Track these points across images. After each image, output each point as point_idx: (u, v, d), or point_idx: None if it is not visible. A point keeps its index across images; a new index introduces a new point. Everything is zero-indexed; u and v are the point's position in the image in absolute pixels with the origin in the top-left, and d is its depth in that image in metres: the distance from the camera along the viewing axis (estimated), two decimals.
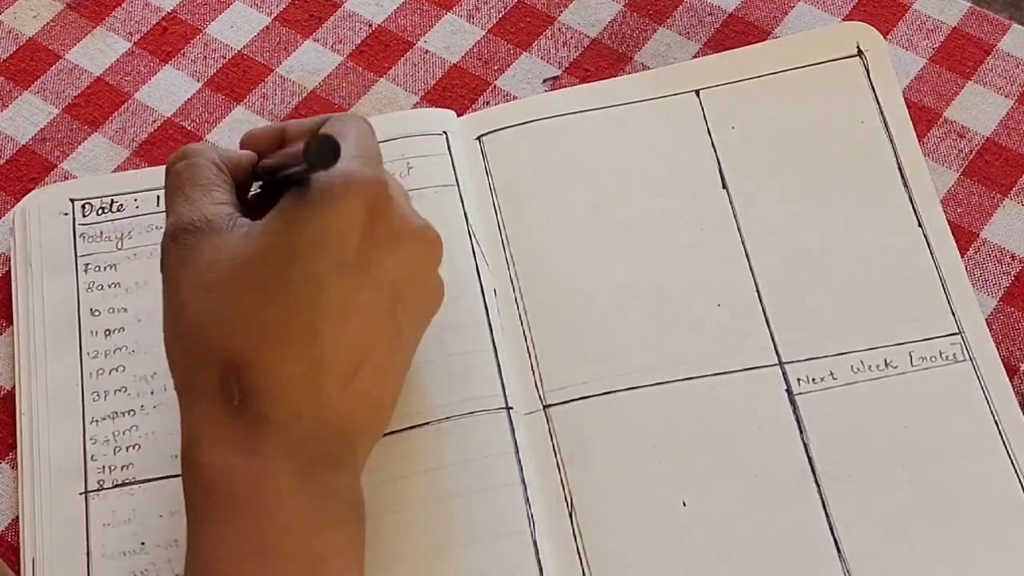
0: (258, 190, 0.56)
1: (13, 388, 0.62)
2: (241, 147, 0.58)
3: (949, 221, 0.63)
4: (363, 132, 0.54)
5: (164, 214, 0.55)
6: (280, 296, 0.50)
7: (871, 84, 0.66)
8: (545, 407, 0.59)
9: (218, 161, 0.55)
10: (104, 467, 0.59)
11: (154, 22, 0.73)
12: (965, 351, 0.59)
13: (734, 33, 0.70)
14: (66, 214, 0.65)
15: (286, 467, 0.50)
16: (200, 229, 0.52)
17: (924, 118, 0.67)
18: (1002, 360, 0.60)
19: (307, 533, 0.50)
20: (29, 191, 0.67)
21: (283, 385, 0.50)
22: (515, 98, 0.69)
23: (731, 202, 0.64)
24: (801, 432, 0.58)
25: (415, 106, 0.69)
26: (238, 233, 0.51)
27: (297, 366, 0.50)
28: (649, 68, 0.69)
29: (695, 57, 0.69)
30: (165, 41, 0.72)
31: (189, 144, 0.55)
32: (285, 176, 0.52)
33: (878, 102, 0.66)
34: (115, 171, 0.68)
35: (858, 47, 0.68)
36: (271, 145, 0.56)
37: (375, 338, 0.52)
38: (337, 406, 0.51)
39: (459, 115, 0.68)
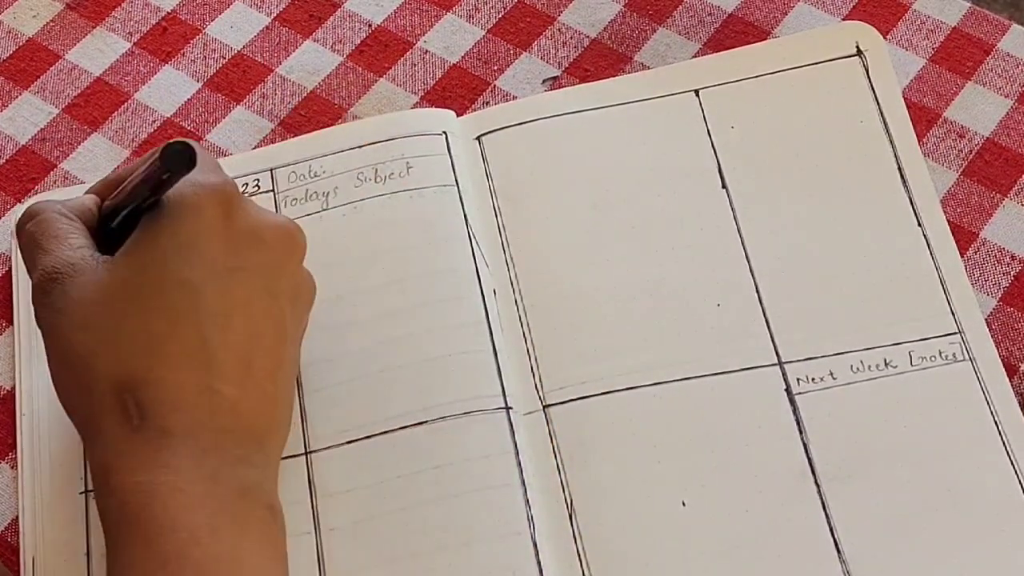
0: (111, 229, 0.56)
1: (13, 388, 0.62)
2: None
3: (949, 221, 0.63)
4: (198, 151, 0.55)
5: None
6: (159, 311, 0.51)
7: (871, 84, 0.66)
8: (545, 407, 0.59)
9: (64, 211, 0.55)
10: None
11: (154, 22, 0.73)
12: (965, 351, 0.59)
13: (734, 33, 0.70)
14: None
15: (195, 475, 0.50)
16: (64, 274, 0.52)
17: (924, 118, 0.67)
18: (1002, 360, 0.59)
19: (216, 539, 0.49)
20: (29, 191, 0.67)
21: (179, 395, 0.51)
22: (515, 98, 0.69)
23: (731, 202, 0.64)
24: (801, 432, 0.58)
25: (415, 106, 0.69)
26: (101, 268, 0.52)
27: (189, 374, 0.51)
28: (649, 68, 0.69)
29: (695, 57, 0.69)
30: (165, 41, 0.72)
31: (31, 204, 0.56)
32: (134, 209, 0.53)
33: (878, 102, 0.66)
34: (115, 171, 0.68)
35: (857, 47, 0.68)
36: (112, 190, 0.57)
37: (260, 333, 0.53)
38: (235, 407, 0.51)
39: (459, 115, 0.68)
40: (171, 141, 0.50)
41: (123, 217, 0.54)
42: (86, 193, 0.58)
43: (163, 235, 0.52)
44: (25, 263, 0.55)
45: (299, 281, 0.57)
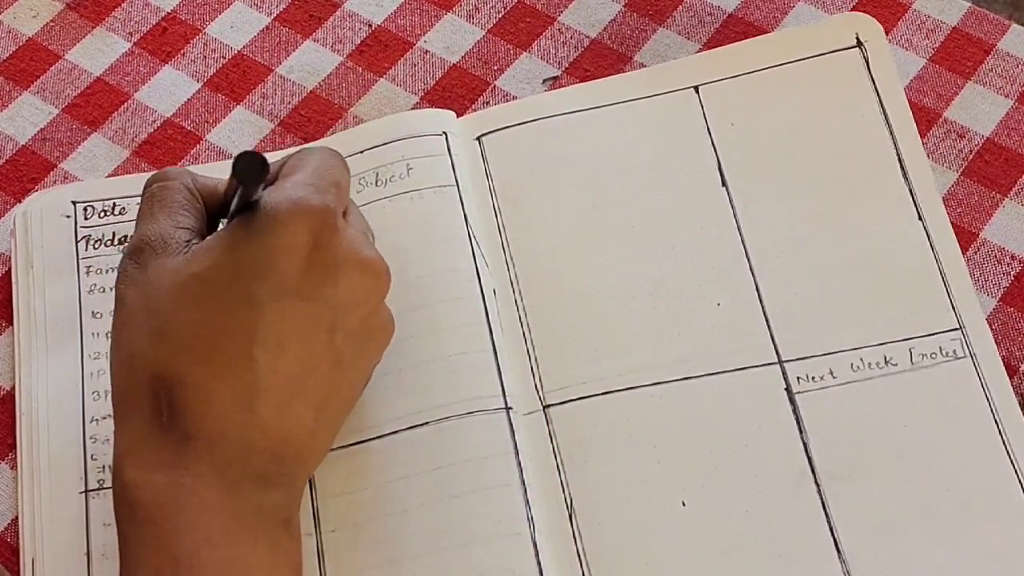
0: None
1: (13, 388, 0.62)
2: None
3: (949, 221, 0.63)
4: (324, 161, 0.54)
5: None
6: (217, 316, 0.50)
7: (871, 76, 0.66)
8: (545, 407, 0.59)
9: (191, 186, 0.55)
10: (104, 467, 0.59)
11: (154, 22, 0.73)
12: (965, 347, 0.59)
13: (734, 33, 0.70)
14: (68, 216, 0.65)
15: (211, 482, 0.50)
16: (155, 248, 0.52)
17: (924, 118, 0.67)
18: (1002, 361, 0.59)
19: (229, 544, 0.49)
20: (29, 191, 0.67)
21: (212, 404, 0.50)
22: (515, 98, 0.69)
23: (731, 200, 0.64)
24: (800, 431, 0.58)
25: (415, 106, 0.69)
26: (182, 255, 0.52)
27: (228, 387, 0.50)
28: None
29: None
30: (165, 41, 0.72)
31: (168, 167, 0.56)
32: (233, 206, 0.53)
33: (878, 94, 0.66)
34: (115, 171, 0.68)
35: (857, 38, 0.67)
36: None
37: (313, 366, 0.52)
38: (268, 430, 0.51)
39: (459, 115, 0.68)
40: (243, 152, 0.49)
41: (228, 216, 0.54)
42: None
43: (243, 241, 0.51)
44: (136, 221, 0.54)
45: (375, 321, 0.56)
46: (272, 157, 0.53)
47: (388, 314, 0.57)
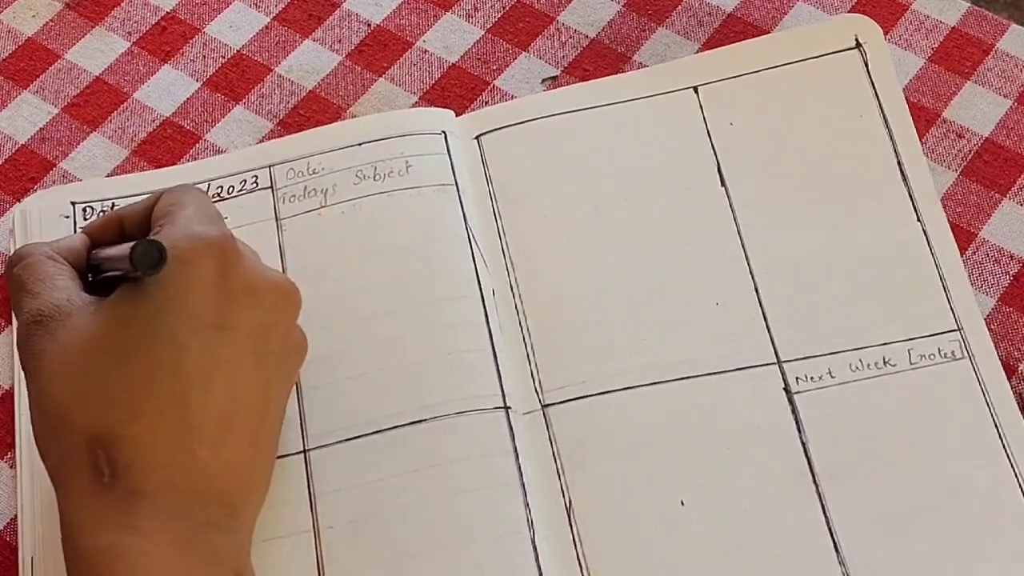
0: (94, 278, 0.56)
1: (12, 387, 0.62)
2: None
3: (948, 221, 0.63)
4: (199, 197, 0.54)
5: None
6: (140, 365, 0.50)
7: (870, 77, 0.66)
8: (544, 407, 0.59)
9: (52, 254, 0.54)
10: None
11: (153, 22, 0.73)
12: (964, 348, 0.59)
13: (733, 33, 0.70)
14: (67, 217, 0.65)
15: (164, 538, 0.49)
16: (49, 316, 0.51)
17: (923, 118, 0.67)
18: (1001, 361, 0.59)
19: None
20: (28, 191, 0.67)
21: (153, 455, 0.49)
22: (514, 98, 0.69)
23: (730, 200, 0.64)
24: (799, 431, 0.58)
25: (414, 106, 0.69)
26: (87, 311, 0.51)
27: (165, 434, 0.50)
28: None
29: None
30: (164, 41, 0.72)
31: (18, 248, 0.55)
32: (117, 277, 0.52)
33: (877, 95, 0.66)
34: (114, 171, 0.68)
35: (856, 39, 0.67)
36: (110, 232, 0.56)
37: (242, 395, 0.52)
38: (211, 470, 0.50)
39: (458, 115, 0.68)
40: (141, 241, 0.49)
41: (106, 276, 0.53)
42: (89, 222, 0.57)
43: (152, 288, 0.50)
44: (12, 307, 0.54)
45: (290, 341, 0.56)
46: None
47: (301, 332, 0.56)
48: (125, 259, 0.49)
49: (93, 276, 0.55)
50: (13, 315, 0.63)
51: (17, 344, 0.53)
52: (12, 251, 0.65)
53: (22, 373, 0.61)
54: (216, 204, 0.64)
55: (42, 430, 0.52)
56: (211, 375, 0.50)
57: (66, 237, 0.56)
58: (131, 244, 0.49)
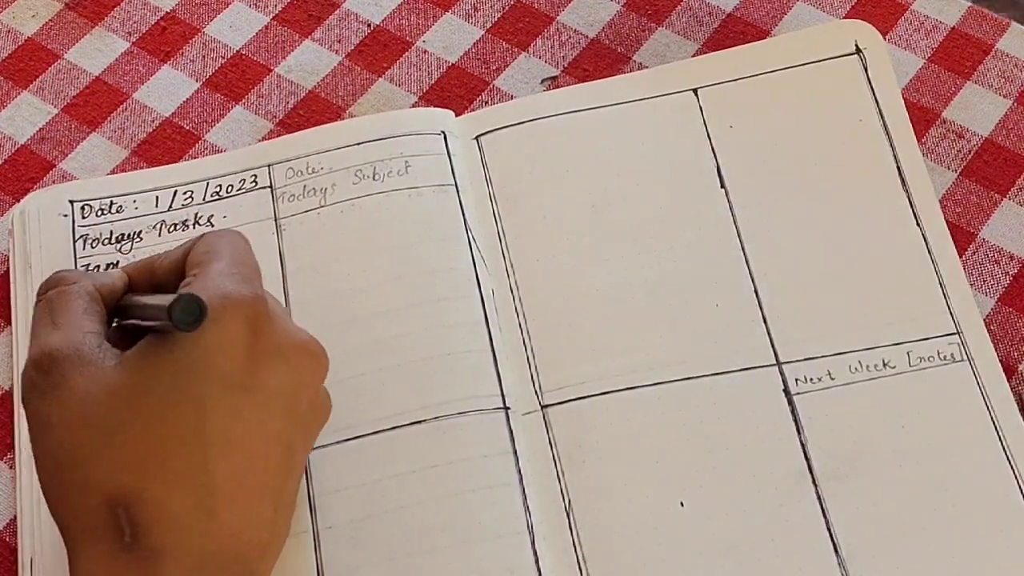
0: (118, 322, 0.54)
1: (11, 388, 0.62)
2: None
3: (947, 221, 0.63)
4: (237, 246, 0.53)
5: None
6: (165, 424, 0.49)
7: (869, 82, 0.66)
8: (543, 407, 0.59)
9: (92, 291, 0.53)
10: None
11: (153, 22, 0.73)
12: (963, 351, 0.59)
13: (733, 33, 0.70)
14: (65, 216, 0.65)
15: None
16: (68, 357, 0.50)
17: (923, 118, 0.67)
18: (1000, 361, 0.59)
19: None
20: (28, 191, 0.67)
21: (174, 516, 0.48)
22: (513, 98, 0.69)
23: (729, 201, 0.64)
24: (799, 432, 0.58)
25: (414, 106, 0.69)
26: (110, 363, 0.50)
27: (187, 495, 0.49)
28: (648, 68, 0.69)
29: (693, 57, 0.69)
30: (164, 41, 0.72)
31: (61, 271, 0.54)
32: (152, 328, 0.50)
33: (876, 100, 0.66)
34: (114, 171, 0.68)
35: (856, 45, 0.67)
36: (144, 276, 0.55)
37: (266, 457, 0.51)
38: (232, 531, 0.49)
39: (457, 115, 0.68)
40: (183, 295, 0.47)
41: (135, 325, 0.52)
42: (125, 266, 0.56)
43: (179, 345, 0.49)
44: (32, 331, 0.52)
45: (316, 403, 0.54)
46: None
47: (326, 393, 0.55)
48: (161, 310, 0.48)
49: (119, 320, 0.53)
50: (12, 317, 0.63)
51: (24, 376, 0.51)
52: (12, 251, 0.65)
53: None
54: (215, 203, 0.65)
55: (55, 484, 0.50)
56: (236, 437, 0.49)
57: (109, 272, 0.55)
58: (170, 296, 0.48)
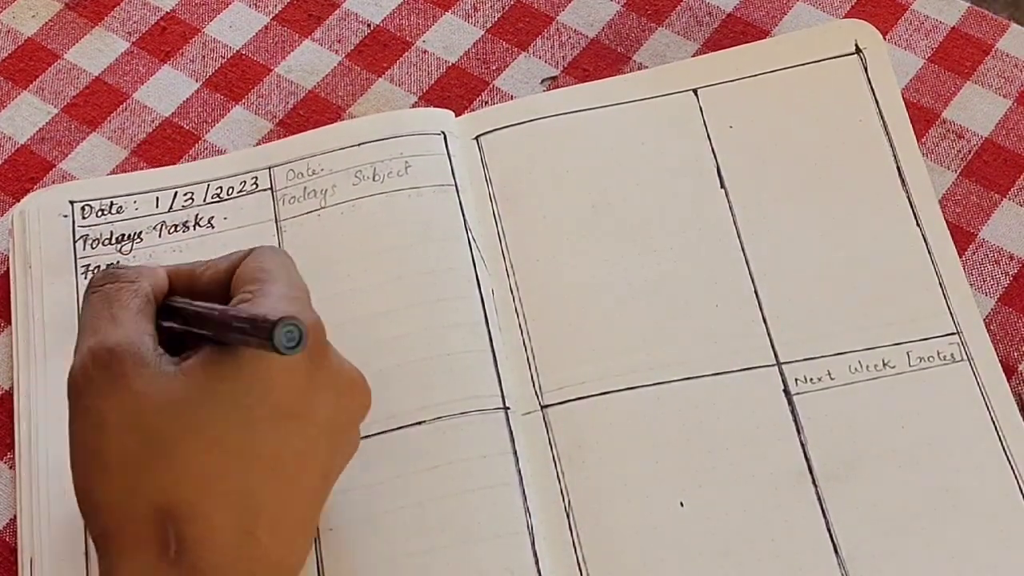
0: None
1: (11, 388, 0.62)
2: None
3: (947, 222, 0.63)
4: (290, 268, 0.53)
5: (168, 274, 0.51)
6: (219, 442, 0.48)
7: (869, 82, 0.66)
8: (543, 407, 0.59)
9: (148, 291, 0.52)
10: None
11: (153, 22, 0.73)
12: (963, 351, 0.59)
13: (732, 33, 0.70)
14: (65, 216, 0.65)
15: None
16: (128, 354, 0.49)
17: (922, 118, 0.67)
18: (1000, 361, 0.59)
19: None
20: (28, 191, 0.67)
21: (219, 535, 0.48)
22: (513, 98, 0.69)
23: (729, 202, 0.64)
24: (799, 432, 0.58)
25: (414, 106, 0.69)
26: (168, 369, 0.49)
27: (233, 515, 0.48)
28: (647, 68, 0.69)
29: (693, 57, 0.69)
30: (164, 41, 0.72)
31: (115, 266, 0.53)
32: (235, 340, 0.49)
33: (876, 100, 0.66)
34: (114, 171, 0.68)
35: (856, 45, 0.67)
36: (182, 284, 0.54)
37: (307, 486, 0.51)
38: (268, 555, 0.49)
39: (457, 115, 0.68)
40: (286, 318, 0.46)
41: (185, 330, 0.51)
42: (167, 268, 0.54)
43: (246, 364, 0.48)
44: (83, 322, 0.51)
45: (352, 438, 0.54)
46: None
47: (358, 430, 0.55)
48: (254, 327, 0.47)
49: (163, 320, 0.52)
50: (12, 317, 0.63)
51: (75, 368, 0.50)
52: (12, 251, 0.65)
53: (22, 370, 0.61)
54: (215, 205, 0.65)
55: (103, 486, 0.49)
56: (283, 463, 0.49)
57: (156, 271, 0.53)
58: (265, 315, 0.47)
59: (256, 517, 0.49)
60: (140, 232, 0.65)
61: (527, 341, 0.61)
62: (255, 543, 0.49)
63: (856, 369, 0.59)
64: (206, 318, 0.51)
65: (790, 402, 0.59)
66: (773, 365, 0.60)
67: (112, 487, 0.49)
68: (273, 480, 0.49)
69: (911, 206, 0.63)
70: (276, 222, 0.64)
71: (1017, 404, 0.58)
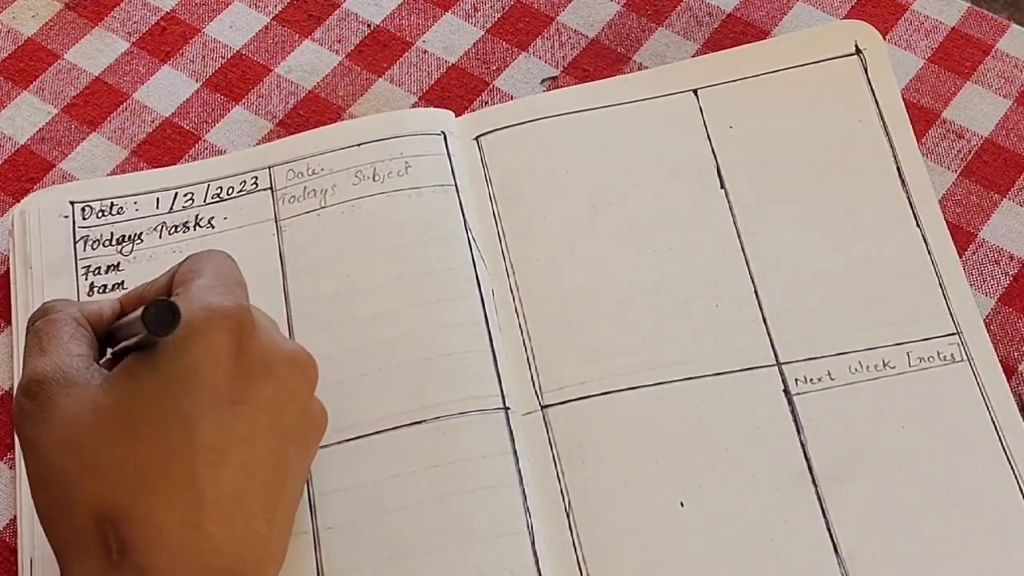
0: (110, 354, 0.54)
1: (11, 388, 0.62)
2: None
3: (947, 222, 0.63)
4: (221, 263, 0.53)
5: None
6: (151, 440, 0.48)
7: (869, 83, 0.66)
8: (543, 407, 0.59)
9: (78, 316, 0.53)
10: None
11: (153, 22, 0.73)
12: (963, 351, 0.59)
13: (732, 33, 0.70)
14: (66, 216, 0.65)
15: None
16: (55, 381, 0.50)
17: (922, 118, 0.67)
18: (1000, 361, 0.59)
19: None
20: (28, 191, 0.67)
21: (163, 532, 0.48)
22: (513, 98, 0.69)
23: (729, 202, 0.64)
24: (799, 432, 0.58)
25: (414, 106, 0.69)
26: (96, 383, 0.50)
27: (176, 511, 0.48)
28: (647, 68, 0.69)
29: (693, 57, 0.69)
30: (164, 41, 0.72)
31: (49, 301, 0.54)
32: (131, 346, 0.50)
33: (876, 101, 0.66)
34: (113, 171, 0.68)
35: (856, 46, 0.68)
36: (133, 307, 0.54)
37: (257, 471, 0.50)
38: (223, 547, 0.49)
39: (457, 115, 0.68)
40: (153, 301, 0.47)
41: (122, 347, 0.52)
42: (115, 300, 0.55)
43: (164, 360, 0.49)
44: (23, 359, 0.52)
45: (309, 415, 0.54)
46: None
47: (319, 404, 0.55)
48: (138, 322, 0.48)
49: (111, 347, 0.54)
50: (12, 317, 0.64)
51: (14, 403, 0.51)
52: (12, 252, 0.65)
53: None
54: (215, 205, 0.65)
55: (45, 504, 0.50)
56: (224, 451, 0.49)
57: (98, 301, 0.55)
58: (143, 306, 0.48)
59: (201, 509, 0.48)
60: (140, 233, 0.65)
61: (527, 341, 0.61)
62: (205, 536, 0.48)
63: (856, 369, 0.59)
64: (117, 332, 0.52)
65: (790, 402, 0.59)
66: (773, 365, 0.60)
67: (53, 503, 0.50)
68: (215, 470, 0.49)
69: (911, 206, 0.63)
70: (276, 222, 0.64)
71: (1017, 404, 0.58)
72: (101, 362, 0.53)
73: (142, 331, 0.48)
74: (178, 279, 0.53)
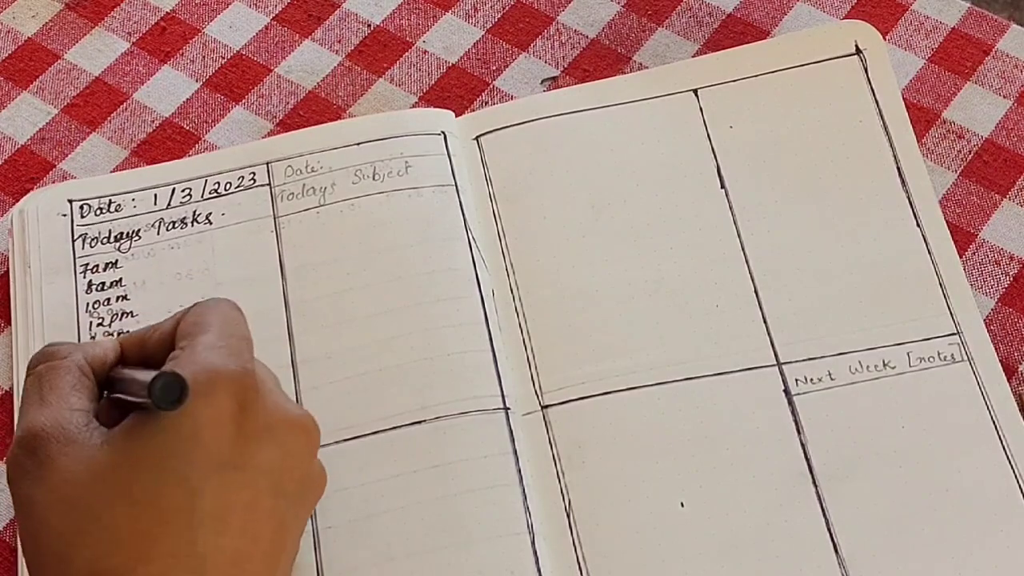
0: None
1: (11, 388, 0.62)
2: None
3: (948, 222, 0.63)
4: (227, 317, 0.52)
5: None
6: (150, 505, 0.47)
7: (869, 83, 0.66)
8: (543, 408, 0.59)
9: (82, 364, 0.51)
10: None
11: (153, 22, 0.73)
12: (963, 351, 0.59)
13: (732, 33, 0.70)
14: (64, 215, 0.65)
15: None
16: (53, 437, 0.48)
17: (923, 118, 0.67)
18: (1000, 361, 0.59)
19: None
20: (27, 191, 0.67)
21: None
22: (513, 98, 0.69)
23: (729, 202, 0.64)
24: (799, 432, 0.58)
25: (414, 106, 0.69)
26: (95, 442, 0.48)
27: None
28: (647, 68, 0.69)
29: (693, 57, 0.69)
30: (164, 41, 0.72)
31: (54, 344, 0.53)
32: (132, 403, 0.49)
33: (876, 101, 0.66)
34: (113, 171, 0.68)
35: (856, 46, 0.68)
36: (134, 350, 0.53)
37: (257, 536, 0.49)
38: None
39: (457, 115, 0.68)
40: (162, 373, 0.46)
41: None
42: (116, 341, 0.54)
43: (167, 423, 0.48)
44: (20, 407, 0.51)
45: (309, 478, 0.53)
46: None
47: (320, 466, 0.54)
48: (144, 388, 0.47)
49: (109, 392, 0.52)
50: (11, 317, 0.63)
51: (8, 456, 0.50)
52: (12, 251, 0.65)
53: (22, 370, 0.61)
54: (213, 200, 0.65)
55: (38, 566, 0.48)
56: (225, 517, 0.48)
57: (102, 342, 0.53)
58: (152, 373, 0.47)
59: (202, 574, 0.47)
60: (139, 230, 0.64)
61: (527, 341, 0.61)
62: None
63: (856, 369, 0.59)
64: (118, 384, 0.51)
65: (790, 402, 0.59)
66: (773, 365, 0.60)
67: (46, 565, 0.48)
68: (217, 534, 0.48)
69: (911, 206, 0.63)
70: (274, 218, 0.64)
71: (1017, 404, 0.58)
72: (100, 403, 0.52)
73: (145, 397, 0.47)
74: (182, 331, 0.51)
